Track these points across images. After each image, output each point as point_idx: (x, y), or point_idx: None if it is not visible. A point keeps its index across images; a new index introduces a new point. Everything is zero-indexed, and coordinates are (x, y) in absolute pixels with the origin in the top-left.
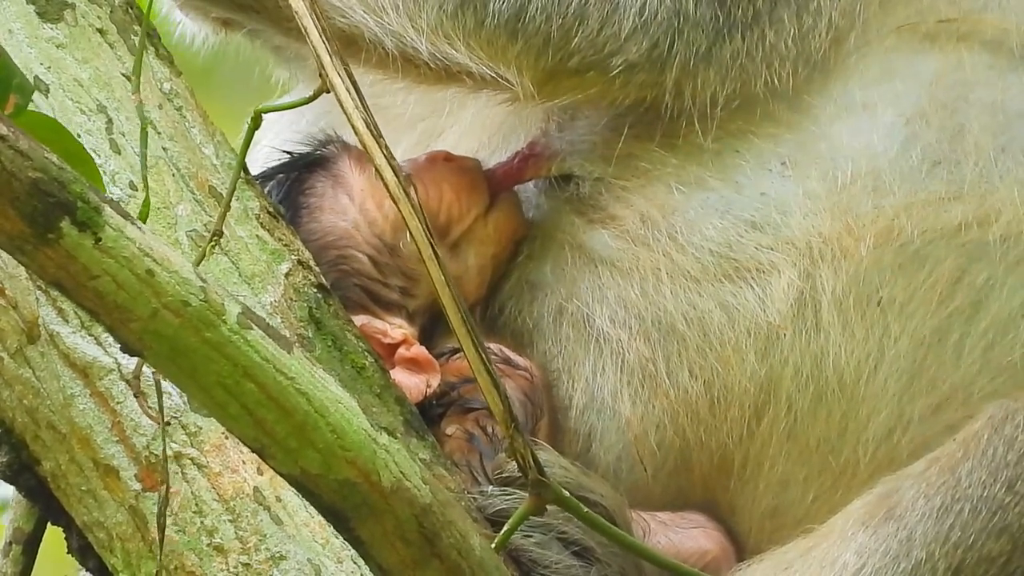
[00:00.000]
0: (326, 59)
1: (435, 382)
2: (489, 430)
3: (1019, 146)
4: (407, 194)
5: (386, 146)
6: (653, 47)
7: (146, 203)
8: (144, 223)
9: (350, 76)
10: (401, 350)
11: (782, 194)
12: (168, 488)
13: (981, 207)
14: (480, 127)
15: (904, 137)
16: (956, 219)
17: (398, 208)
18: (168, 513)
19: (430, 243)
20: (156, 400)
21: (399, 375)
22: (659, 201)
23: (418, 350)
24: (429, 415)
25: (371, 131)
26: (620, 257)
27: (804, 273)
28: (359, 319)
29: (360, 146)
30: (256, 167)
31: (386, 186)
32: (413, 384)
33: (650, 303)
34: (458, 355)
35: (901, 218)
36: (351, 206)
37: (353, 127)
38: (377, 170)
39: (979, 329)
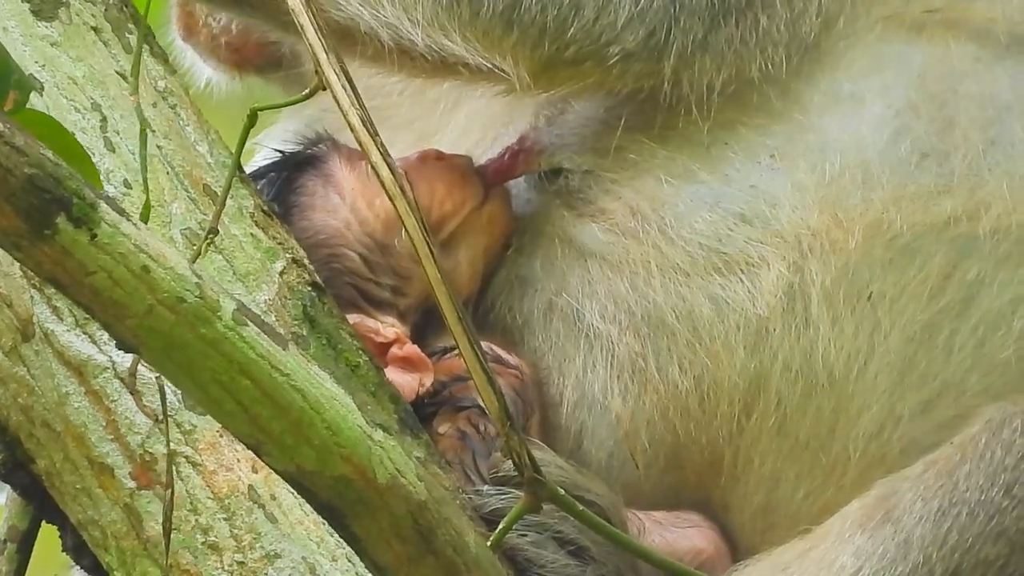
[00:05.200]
0: (322, 56)
1: (428, 381)
2: (481, 428)
3: (1008, 139)
4: (403, 192)
5: (382, 144)
6: (650, 35)
7: (146, 205)
8: (145, 224)
9: (346, 73)
10: (394, 349)
11: (771, 186)
12: (173, 490)
13: (971, 200)
14: (470, 126)
15: (893, 129)
16: (946, 212)
17: (394, 206)
18: (163, 511)
19: (427, 242)
20: (151, 398)
21: (392, 374)
22: (649, 194)
23: (411, 349)
24: (421, 414)
25: (367, 128)
26: (610, 251)
27: (793, 266)
28: (351, 318)
29: (356, 143)
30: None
31: (382, 184)
32: (406, 383)
33: (640, 297)
34: (449, 354)
35: (890, 211)
36: (342, 205)
37: (349, 124)
38: (373, 167)
39: (969, 325)
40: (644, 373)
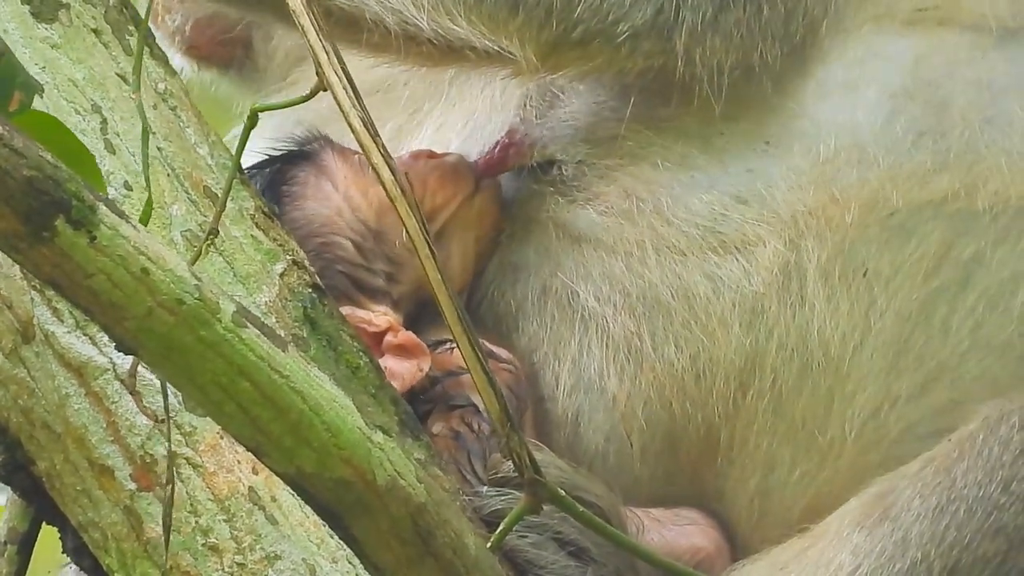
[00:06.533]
0: (323, 57)
1: (426, 365)
2: (475, 426)
3: (1005, 118)
4: (404, 193)
5: (383, 144)
6: (658, 13)
7: (148, 205)
8: (145, 226)
9: (346, 74)
10: (388, 337)
11: (767, 169)
12: (173, 490)
13: (967, 177)
14: (457, 121)
15: (888, 111)
16: (943, 189)
17: (395, 207)
18: (163, 512)
19: (427, 242)
20: (152, 399)
21: (389, 362)
22: (645, 177)
23: (406, 335)
24: (416, 413)
25: (368, 129)
26: (605, 232)
27: (789, 243)
28: (343, 310)
29: (357, 144)
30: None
31: (383, 185)
32: (405, 369)
33: (635, 277)
34: (442, 347)
35: (886, 189)
36: (335, 193)
37: (350, 125)
38: (374, 168)
39: (966, 305)
40: (640, 353)
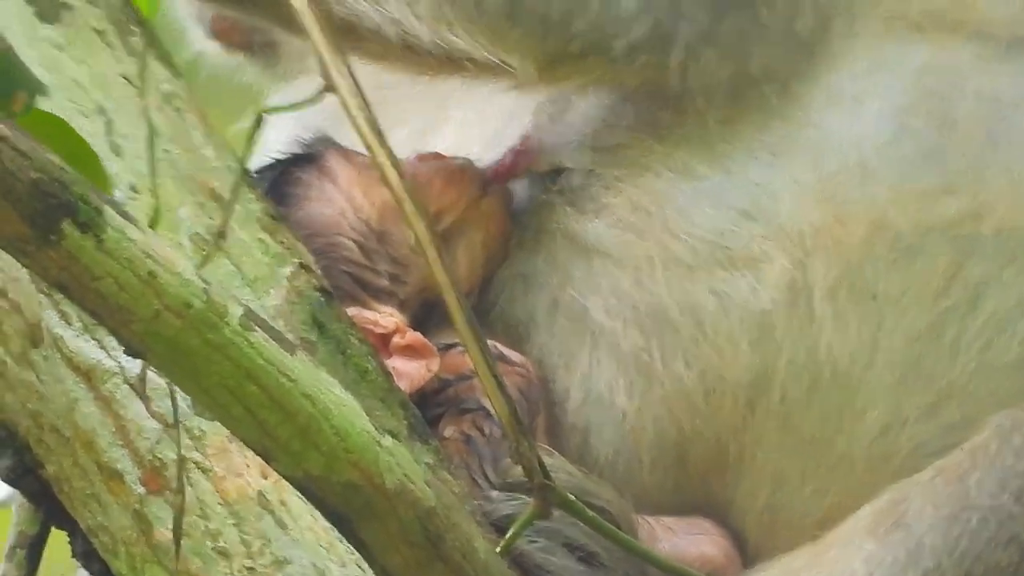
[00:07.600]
0: (328, 58)
1: (435, 366)
2: (486, 431)
3: (1011, 137)
4: (411, 195)
5: (389, 147)
6: (656, 27)
7: (156, 210)
8: (154, 230)
9: (352, 76)
10: (396, 338)
11: (771, 183)
12: (184, 496)
13: (974, 200)
14: (469, 128)
15: (893, 128)
16: (949, 211)
17: (402, 210)
18: (173, 517)
19: (435, 245)
20: (161, 403)
21: (397, 363)
22: (650, 189)
23: (413, 336)
24: (426, 416)
25: (374, 131)
26: (613, 246)
27: (796, 262)
28: (350, 311)
29: (363, 146)
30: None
31: (390, 188)
32: (414, 369)
33: (644, 292)
34: (453, 350)
35: (892, 210)
36: (338, 194)
37: (356, 127)
38: (380, 171)
39: (975, 326)
40: (649, 368)
